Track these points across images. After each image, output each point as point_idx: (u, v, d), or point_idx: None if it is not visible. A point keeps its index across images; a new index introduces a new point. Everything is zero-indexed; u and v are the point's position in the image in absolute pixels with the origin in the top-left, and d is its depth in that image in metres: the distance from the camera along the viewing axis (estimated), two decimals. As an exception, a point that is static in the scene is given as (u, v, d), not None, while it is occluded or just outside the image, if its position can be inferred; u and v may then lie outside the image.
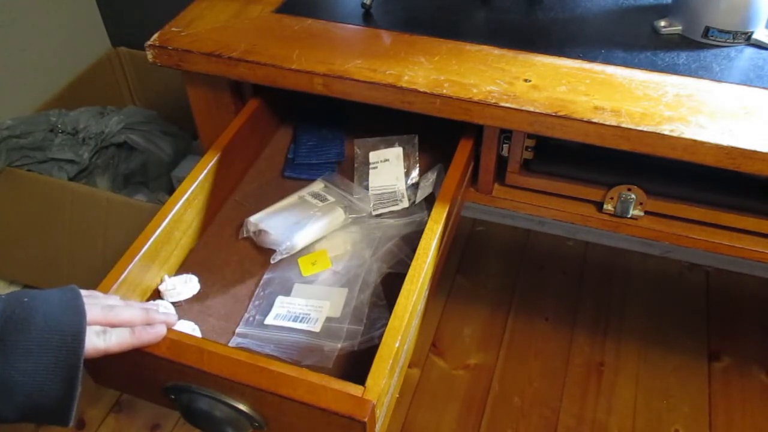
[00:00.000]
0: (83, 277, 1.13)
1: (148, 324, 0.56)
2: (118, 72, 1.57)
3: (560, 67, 0.73)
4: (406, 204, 0.77)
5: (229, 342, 0.64)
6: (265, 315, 0.66)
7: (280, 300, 0.67)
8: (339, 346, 0.63)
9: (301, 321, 0.65)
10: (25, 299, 0.49)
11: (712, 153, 0.64)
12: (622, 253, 1.51)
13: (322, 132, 0.88)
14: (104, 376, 0.64)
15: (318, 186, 0.79)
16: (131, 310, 0.55)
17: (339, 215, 0.74)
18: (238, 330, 0.65)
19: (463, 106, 0.70)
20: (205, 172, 0.73)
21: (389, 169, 0.80)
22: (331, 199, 0.76)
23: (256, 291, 0.69)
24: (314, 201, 0.76)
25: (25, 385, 0.47)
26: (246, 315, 0.66)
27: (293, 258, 0.72)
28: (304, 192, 0.78)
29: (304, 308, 0.66)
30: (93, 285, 0.61)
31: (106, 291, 0.61)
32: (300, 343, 0.63)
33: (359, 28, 0.81)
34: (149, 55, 0.79)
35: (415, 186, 0.80)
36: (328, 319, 0.65)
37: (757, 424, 1.19)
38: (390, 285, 0.68)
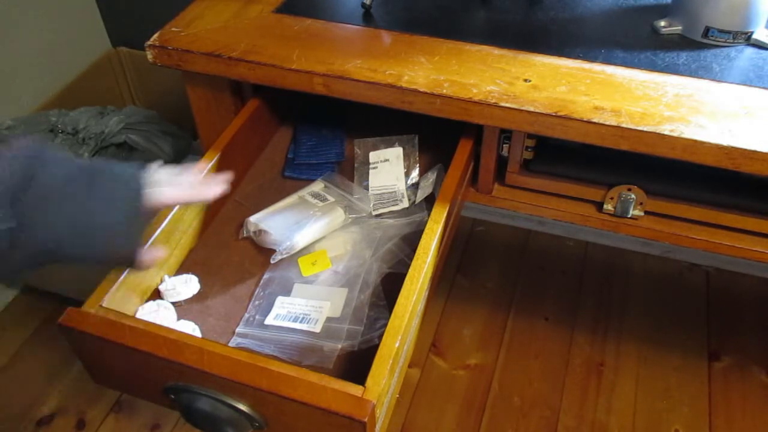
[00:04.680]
0: (83, 277, 1.13)
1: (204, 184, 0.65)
2: (118, 72, 1.57)
3: (560, 67, 0.73)
4: (406, 204, 0.77)
5: (229, 342, 0.64)
6: (265, 315, 0.66)
7: (280, 300, 0.67)
8: (339, 346, 0.63)
9: (301, 321, 0.65)
10: (95, 163, 0.57)
11: (712, 153, 0.64)
12: (622, 253, 1.51)
13: (322, 132, 0.88)
14: (104, 376, 0.64)
15: (318, 186, 0.79)
16: (191, 176, 0.65)
17: (339, 215, 0.74)
18: (238, 330, 0.65)
19: (463, 106, 0.70)
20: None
21: (389, 169, 0.80)
22: (331, 199, 0.76)
23: (256, 291, 0.69)
24: (314, 201, 0.76)
25: (104, 226, 0.55)
26: (246, 315, 0.66)
27: (293, 258, 0.72)
28: (304, 192, 0.78)
29: (304, 308, 0.66)
30: (93, 285, 0.62)
31: (106, 291, 0.61)
32: (300, 344, 0.63)
33: (359, 28, 0.81)
34: (149, 55, 0.79)
35: (415, 186, 0.79)
36: (329, 320, 0.65)
37: (757, 424, 1.19)
38: (390, 285, 0.68)
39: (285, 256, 0.71)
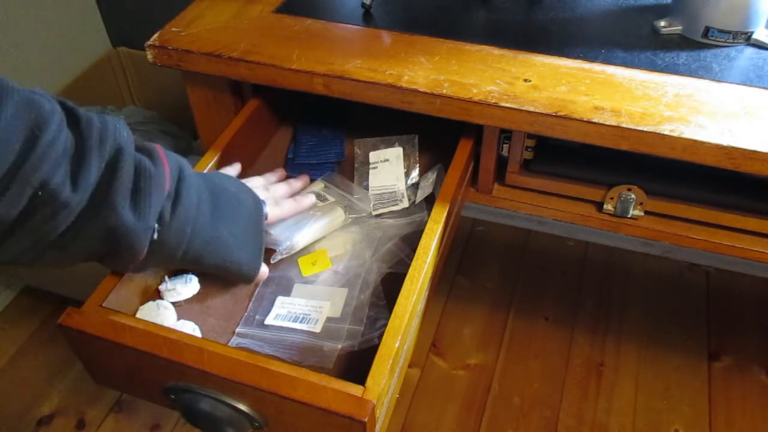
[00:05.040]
0: (84, 277, 1.13)
1: (294, 194, 0.72)
2: (118, 72, 1.57)
3: (560, 67, 0.73)
4: (406, 204, 0.77)
5: (229, 342, 0.64)
6: (265, 315, 0.66)
7: (280, 300, 0.67)
8: (339, 346, 0.63)
9: (301, 321, 0.65)
10: (216, 180, 0.62)
11: (712, 153, 0.64)
12: (622, 253, 1.51)
13: (322, 132, 0.88)
14: (104, 376, 0.64)
15: (318, 186, 0.79)
16: (282, 187, 0.72)
17: (339, 215, 0.74)
18: (238, 330, 0.65)
19: (463, 106, 0.70)
20: (205, 172, 0.73)
21: (389, 169, 0.80)
22: (331, 199, 0.76)
23: (256, 291, 0.69)
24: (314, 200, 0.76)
25: (230, 244, 0.60)
26: (246, 315, 0.66)
27: (293, 258, 0.72)
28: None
29: (304, 308, 0.66)
30: (93, 285, 0.62)
31: (106, 292, 0.61)
32: (300, 344, 0.63)
33: (359, 28, 0.81)
34: (149, 55, 0.79)
35: (415, 186, 0.79)
36: (329, 320, 0.65)
37: (757, 424, 1.19)
38: (390, 285, 0.68)
39: (285, 256, 0.71)
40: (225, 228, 0.60)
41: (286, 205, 0.69)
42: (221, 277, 0.66)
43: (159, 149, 0.56)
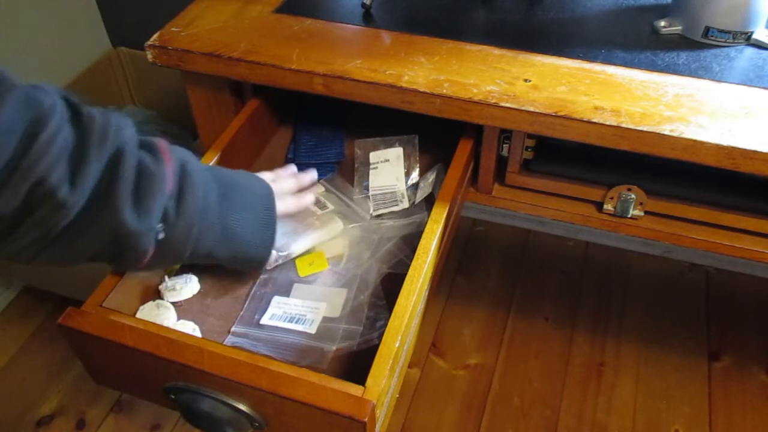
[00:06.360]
0: (84, 277, 1.13)
1: (302, 188, 0.72)
2: (118, 72, 1.57)
3: (560, 67, 0.73)
4: (406, 205, 0.77)
5: (224, 341, 0.64)
6: (262, 315, 0.66)
7: (276, 300, 0.67)
8: (334, 348, 0.62)
9: (297, 322, 0.65)
10: (224, 170, 0.62)
11: (712, 153, 0.64)
12: (622, 253, 1.51)
13: (322, 132, 0.88)
14: (104, 376, 0.64)
15: (317, 190, 0.79)
16: (289, 182, 0.70)
17: (337, 226, 0.74)
18: (233, 329, 0.65)
19: (463, 106, 0.70)
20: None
21: (389, 170, 0.80)
22: (331, 206, 0.76)
23: (254, 290, 0.69)
24: (313, 207, 0.75)
25: (240, 234, 0.60)
26: (242, 314, 0.66)
27: (291, 258, 0.72)
28: None
29: (300, 309, 0.66)
30: (93, 285, 0.62)
31: (106, 291, 0.61)
32: (295, 344, 0.63)
33: (359, 28, 0.81)
34: (149, 55, 0.79)
35: (416, 186, 0.79)
36: (326, 320, 0.65)
37: (757, 424, 1.19)
38: (390, 285, 0.68)
39: (280, 262, 0.70)
40: (235, 218, 0.59)
41: (290, 201, 0.68)
42: (233, 266, 0.66)
43: (161, 145, 0.55)
